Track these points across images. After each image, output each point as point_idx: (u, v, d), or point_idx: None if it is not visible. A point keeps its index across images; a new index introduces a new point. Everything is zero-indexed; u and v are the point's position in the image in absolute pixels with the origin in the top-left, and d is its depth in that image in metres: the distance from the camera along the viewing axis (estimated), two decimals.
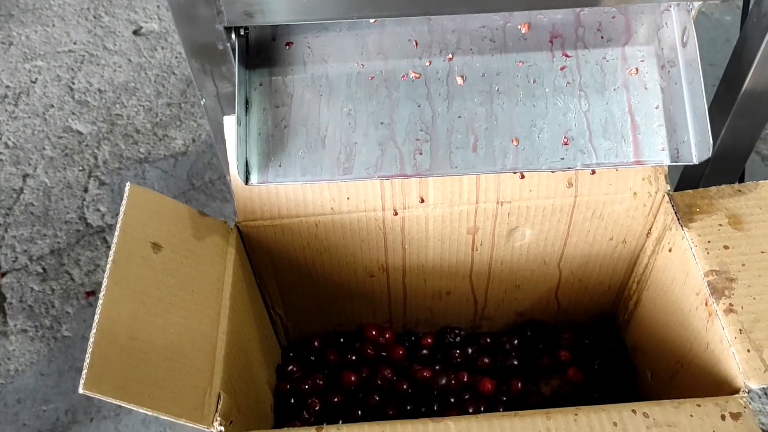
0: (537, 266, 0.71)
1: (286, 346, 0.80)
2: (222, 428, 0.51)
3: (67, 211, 1.18)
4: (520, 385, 0.74)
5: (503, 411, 0.72)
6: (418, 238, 0.66)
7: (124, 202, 0.55)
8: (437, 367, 0.76)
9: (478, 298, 0.75)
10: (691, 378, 0.60)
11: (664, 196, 0.62)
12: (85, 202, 1.20)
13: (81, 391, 0.45)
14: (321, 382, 0.74)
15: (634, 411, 0.49)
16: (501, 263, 0.70)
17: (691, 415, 0.49)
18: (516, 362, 0.76)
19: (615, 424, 0.49)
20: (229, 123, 0.58)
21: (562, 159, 0.57)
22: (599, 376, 0.75)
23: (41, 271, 1.12)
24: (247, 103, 0.58)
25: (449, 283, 0.73)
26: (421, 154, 0.57)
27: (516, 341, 0.78)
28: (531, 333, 0.79)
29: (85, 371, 0.46)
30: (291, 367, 0.76)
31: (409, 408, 0.72)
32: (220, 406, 0.52)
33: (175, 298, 0.54)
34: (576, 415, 0.49)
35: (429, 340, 0.79)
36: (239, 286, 0.62)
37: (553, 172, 0.60)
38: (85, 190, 1.22)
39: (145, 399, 0.47)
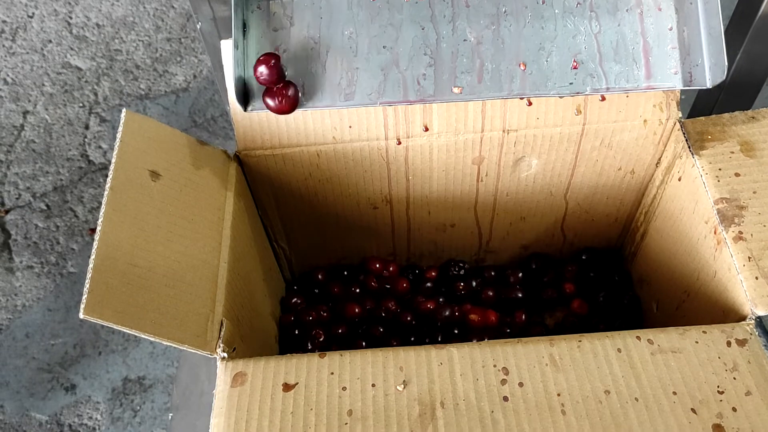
0: (543, 197, 0.70)
1: (290, 280, 0.79)
2: (225, 354, 0.51)
3: (69, 148, 1.17)
4: (524, 317, 0.74)
5: None
6: (422, 169, 0.65)
7: (120, 128, 0.54)
8: (441, 300, 0.76)
9: (483, 230, 0.74)
10: (698, 307, 0.60)
11: (675, 124, 0.61)
12: (86, 139, 1.19)
13: (81, 315, 0.45)
14: (325, 314, 0.74)
15: (638, 337, 0.49)
16: (506, 194, 0.69)
17: (696, 342, 0.48)
18: (520, 295, 0.76)
19: (619, 350, 0.48)
20: (227, 47, 0.56)
21: (571, 84, 0.55)
22: (604, 309, 0.74)
23: (45, 208, 1.11)
24: (244, 26, 0.56)
25: (453, 215, 0.72)
26: (425, 79, 0.55)
27: (520, 274, 0.78)
28: (535, 266, 0.78)
29: (85, 296, 0.45)
30: (295, 299, 0.76)
31: (412, 339, 0.72)
32: (222, 333, 0.52)
33: (175, 226, 0.54)
34: (580, 341, 0.49)
35: (433, 273, 0.79)
36: (240, 217, 0.61)
37: (561, 97, 0.58)
38: (86, 127, 1.20)
39: (146, 324, 0.47)
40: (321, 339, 0.72)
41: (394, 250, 0.77)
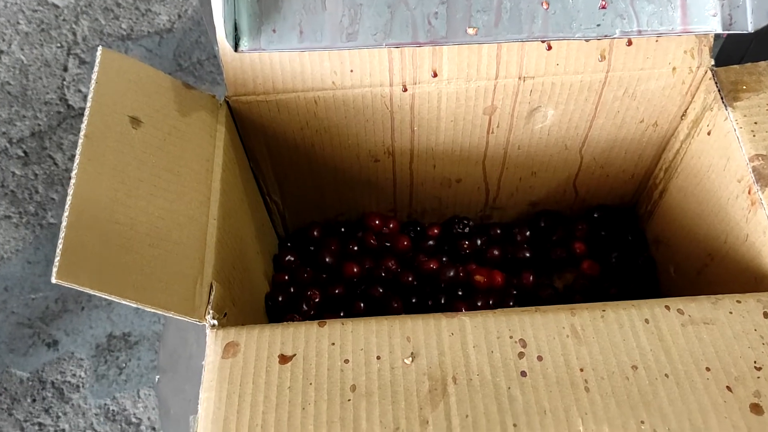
0: (557, 151, 0.65)
1: (284, 236, 0.75)
2: (215, 321, 0.46)
3: (47, 92, 1.11)
4: (531, 278, 0.70)
5: (514, 305, 0.68)
6: (428, 119, 0.60)
7: (96, 68, 0.48)
8: (444, 259, 0.72)
9: (491, 186, 0.70)
10: (724, 272, 0.56)
11: (706, 72, 0.56)
12: (65, 82, 1.12)
13: (54, 280, 0.40)
14: (321, 273, 0.70)
15: (667, 307, 0.45)
16: (518, 148, 0.64)
17: (730, 312, 0.44)
18: (528, 255, 0.72)
19: (646, 321, 0.44)
20: None
21: (598, 26, 0.50)
22: (616, 270, 0.70)
23: (22, 154, 1.05)
24: None
25: (460, 170, 0.67)
26: (436, 18, 0.50)
27: (528, 233, 0.73)
28: (544, 224, 0.74)
29: (57, 258, 0.40)
30: (289, 257, 0.71)
31: (414, 301, 0.68)
32: (212, 298, 0.47)
33: (159, 179, 0.49)
34: (603, 311, 0.45)
35: (435, 231, 0.74)
36: (231, 169, 0.56)
37: (587, 40, 0.53)
38: (65, 69, 1.13)
39: (126, 289, 0.43)
40: (317, 300, 0.68)
41: (394, 206, 0.72)
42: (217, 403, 0.42)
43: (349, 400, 0.42)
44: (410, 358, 0.43)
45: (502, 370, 0.43)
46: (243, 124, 0.59)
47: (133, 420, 0.95)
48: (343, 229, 0.74)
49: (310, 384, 0.43)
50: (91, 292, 0.42)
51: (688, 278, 0.63)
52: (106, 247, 0.43)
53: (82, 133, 0.45)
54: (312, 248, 0.73)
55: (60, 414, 0.94)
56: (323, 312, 0.67)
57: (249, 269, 0.61)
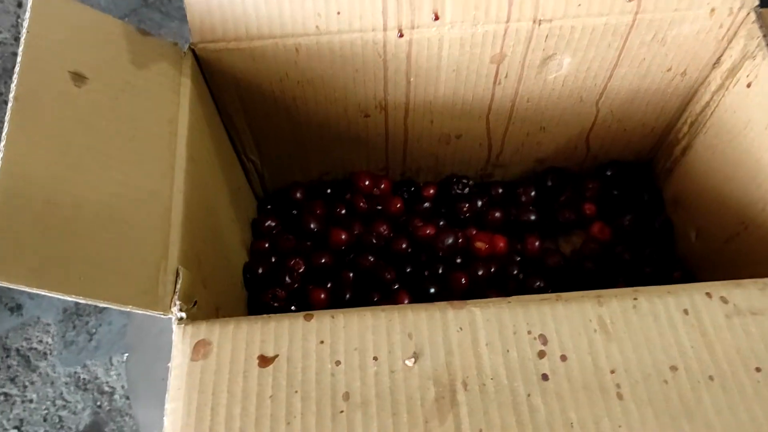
0: (571, 104, 0.58)
1: (263, 198, 0.68)
2: (183, 314, 0.40)
3: (0, 30, 1.00)
4: (537, 243, 0.64)
5: (518, 273, 0.62)
6: (427, 68, 0.52)
7: (27, 14, 0.40)
8: (441, 224, 0.65)
9: (494, 142, 0.63)
10: (757, 244, 0.50)
11: (749, 14, 0.48)
12: (20, 20, 1.02)
13: None
14: (305, 240, 0.63)
15: (708, 294, 0.39)
16: (527, 101, 0.57)
17: None
18: (533, 217, 0.66)
19: (685, 311, 0.38)
20: None
21: None
22: (630, 234, 0.64)
23: None
24: None
25: (461, 125, 0.60)
26: None
27: (533, 193, 0.67)
28: (552, 183, 0.67)
29: None
30: (269, 222, 0.64)
31: (408, 271, 0.62)
32: (179, 286, 0.40)
33: (110, 147, 0.41)
34: (635, 299, 0.39)
35: (431, 191, 0.67)
36: (199, 129, 0.49)
37: None
38: (19, 5, 1.03)
39: (71, 283, 0.36)
40: (301, 270, 0.62)
41: (386, 165, 0.65)
42: (185, 417, 0.36)
43: (341, 411, 0.36)
44: (412, 359, 0.37)
45: (519, 373, 0.37)
46: (212, 76, 0.51)
47: (106, 389, 0.89)
48: (329, 191, 0.67)
49: (296, 392, 0.36)
50: (28, 289, 0.35)
51: (712, 246, 0.57)
52: (46, 235, 0.36)
53: (11, 96, 0.37)
54: (294, 212, 0.66)
55: (27, 383, 0.88)
56: (308, 284, 0.61)
57: (223, 241, 0.54)
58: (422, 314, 0.39)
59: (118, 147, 0.42)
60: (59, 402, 0.88)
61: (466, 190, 0.67)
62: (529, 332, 0.38)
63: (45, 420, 0.88)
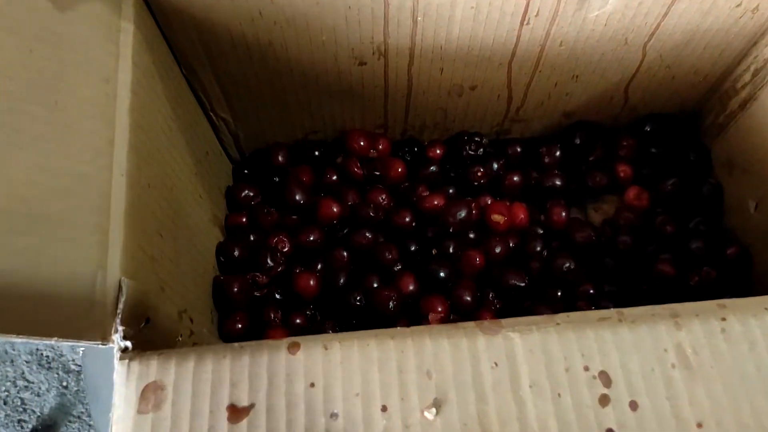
0: (612, 48, 0.47)
1: (239, 161, 0.57)
2: (128, 343, 0.30)
3: None
4: (564, 214, 0.55)
5: (541, 250, 0.53)
6: (439, 5, 0.41)
7: None
8: (451, 191, 0.56)
9: (515, 93, 0.52)
10: None
11: None
12: None
13: None
14: (290, 214, 0.53)
15: None
16: (560, 44, 0.46)
17: None
18: (558, 182, 0.56)
19: None
20: None
21: None
22: (672, 201, 0.55)
23: None
24: None
25: (477, 74, 0.49)
26: None
27: (558, 152, 0.57)
28: (580, 140, 0.57)
29: None
30: (246, 191, 0.54)
31: (413, 249, 0.52)
32: (122, 304, 0.31)
33: (22, 118, 0.30)
34: (723, 320, 0.30)
35: (438, 152, 0.57)
36: (147, 87, 0.38)
37: None
38: None
39: None
40: (285, 250, 0.52)
41: (385, 122, 0.55)
42: None
43: None
44: (433, 410, 0.28)
45: (576, 428, 0.28)
46: (166, 17, 0.40)
47: (72, 367, 0.80)
48: (317, 153, 0.56)
49: None
50: None
51: None
52: None
53: None
54: (276, 179, 0.55)
55: None
56: (294, 267, 0.51)
57: (187, 225, 0.44)
58: (444, 343, 0.30)
59: (33, 117, 0.31)
60: (20, 383, 0.80)
61: (480, 150, 0.56)
62: (587, 368, 0.29)
63: (5, 403, 0.79)
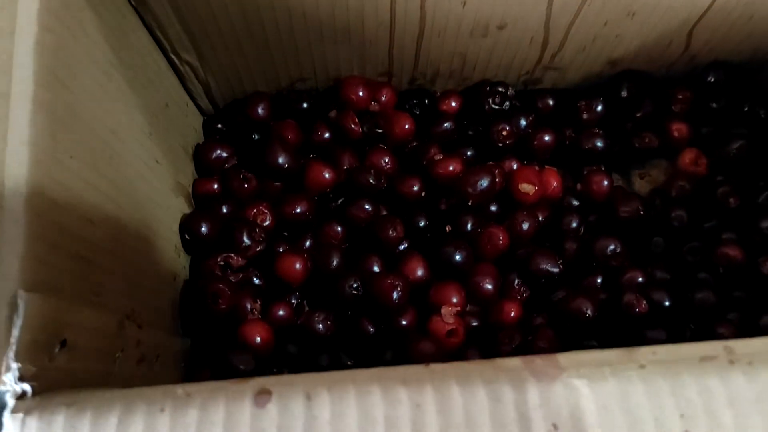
0: None
1: (212, 114, 0.47)
2: (27, 387, 0.21)
3: None
4: (606, 183, 0.45)
5: (578, 227, 0.44)
6: None
7: None
8: (469, 154, 0.46)
9: (552, 35, 0.42)
10: None
11: None
12: None
13: None
14: (272, 179, 0.44)
15: None
16: None
17: None
18: (600, 143, 0.46)
19: None
20: None
21: None
22: (736, 167, 0.45)
23: None
24: None
25: (509, 9, 0.39)
26: None
27: (600, 107, 0.47)
28: (628, 92, 0.47)
29: None
30: (218, 151, 0.45)
31: (422, 224, 0.43)
32: (17, 329, 0.21)
33: None
34: None
35: (453, 104, 0.48)
36: (70, 19, 0.28)
37: None
38: None
39: None
40: (266, 224, 0.43)
41: (389, 68, 0.45)
42: None
43: None
44: None
45: None
46: None
47: None
48: (305, 105, 0.47)
49: None
50: None
51: None
52: None
53: None
54: (255, 136, 0.46)
55: None
56: (276, 246, 0.42)
57: (135, 200, 0.34)
58: (479, 394, 0.21)
59: None
60: None
61: (505, 103, 0.47)
62: None
63: None
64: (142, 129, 0.36)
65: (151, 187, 0.37)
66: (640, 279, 0.42)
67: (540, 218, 0.45)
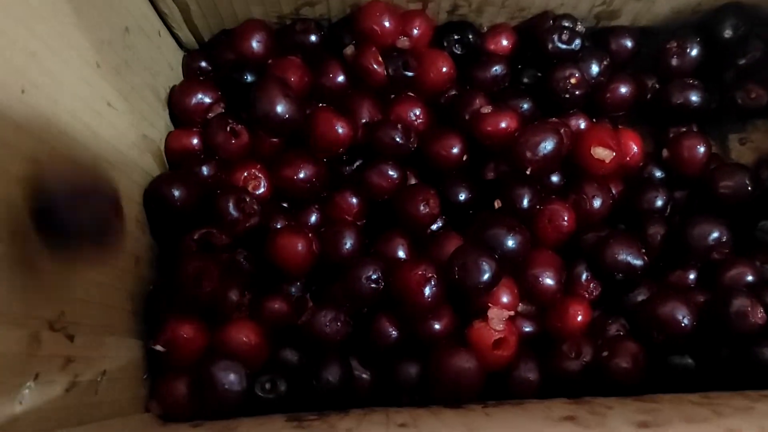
0: None
1: (194, 48, 0.38)
2: None
3: None
4: (701, 149, 0.36)
5: (664, 203, 0.35)
6: None
7: None
8: (525, 107, 0.37)
9: None
10: None
11: None
12: None
13: None
14: (269, 133, 0.34)
15: None
16: None
17: None
18: (693, 97, 0.37)
19: None
20: None
21: None
22: None
23: None
24: None
25: None
26: None
27: (695, 50, 0.37)
28: (730, 32, 0.37)
29: None
30: (200, 94, 0.36)
31: (463, 198, 0.34)
32: None
33: None
34: None
35: (505, 42, 0.40)
36: None
37: None
38: None
39: None
40: (260, 192, 0.34)
41: None
42: None
43: None
44: None
45: None
46: None
47: None
48: (312, 38, 0.38)
49: None
50: None
51: None
52: None
53: None
54: (248, 77, 0.36)
55: None
56: (272, 219, 0.34)
57: (71, 157, 0.24)
58: None
59: None
60: None
61: (575, 42, 0.37)
62: None
63: None
64: (85, 58, 0.26)
65: (98, 138, 0.27)
66: (749, 277, 0.32)
67: (611, 192, 0.36)
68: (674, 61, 0.38)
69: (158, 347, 0.30)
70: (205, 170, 0.35)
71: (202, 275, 0.31)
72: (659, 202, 0.36)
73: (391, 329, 0.32)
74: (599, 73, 0.38)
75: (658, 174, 0.37)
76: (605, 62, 0.38)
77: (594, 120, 0.38)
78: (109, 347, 0.26)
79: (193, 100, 0.36)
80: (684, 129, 0.37)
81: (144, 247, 0.31)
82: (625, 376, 0.30)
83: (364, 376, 0.33)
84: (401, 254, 0.34)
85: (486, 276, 0.30)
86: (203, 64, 0.39)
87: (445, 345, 0.31)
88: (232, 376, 0.30)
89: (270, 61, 0.37)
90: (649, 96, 0.38)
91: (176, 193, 0.33)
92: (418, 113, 0.37)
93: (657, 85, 0.39)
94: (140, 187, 0.32)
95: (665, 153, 0.37)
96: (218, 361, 0.30)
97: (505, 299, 0.32)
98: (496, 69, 0.38)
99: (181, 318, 0.31)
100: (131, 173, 0.30)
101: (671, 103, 0.38)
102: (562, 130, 0.35)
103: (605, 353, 0.31)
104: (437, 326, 0.32)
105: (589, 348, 0.31)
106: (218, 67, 0.38)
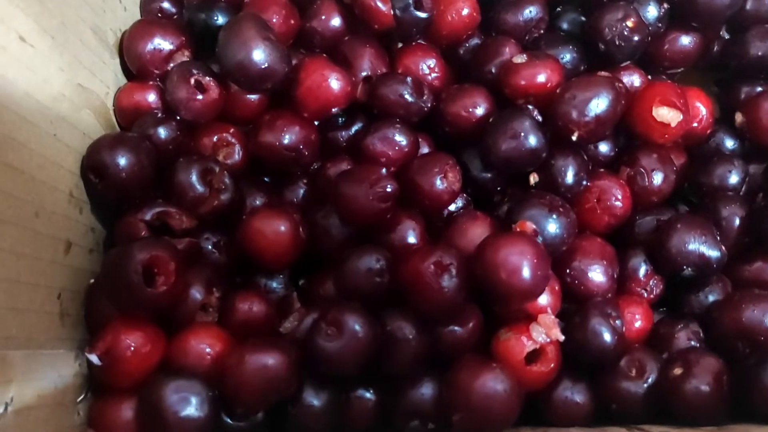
0: None
1: None
2: None
3: None
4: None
5: (739, 180, 0.29)
6: None
7: None
8: (566, 59, 0.32)
9: None
10: None
11: None
12: None
13: None
14: (245, 90, 0.28)
15: None
16: None
17: None
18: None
19: None
20: None
21: None
22: None
23: None
24: None
25: None
26: None
27: None
28: None
29: None
30: (159, 39, 0.32)
31: (489, 175, 0.27)
32: None
33: None
34: None
35: None
36: None
37: None
38: None
39: None
40: (233, 160, 0.29)
41: None
42: None
43: None
44: None
45: None
46: None
47: None
48: None
49: None
50: None
51: None
52: None
53: None
54: (219, 19, 0.31)
55: None
56: (248, 195, 0.29)
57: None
58: None
59: None
60: None
61: None
62: None
63: None
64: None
65: (13, 87, 0.20)
66: None
67: (676, 169, 0.30)
68: (750, 5, 0.31)
69: (93, 357, 0.23)
70: (162, 133, 0.29)
71: (155, 267, 0.24)
72: (734, 178, 0.30)
73: (401, 332, 0.26)
74: (657, 19, 0.31)
75: (730, 144, 0.31)
76: (664, 7, 0.31)
77: (654, 75, 0.32)
78: (17, 366, 0.19)
79: (150, 46, 0.30)
80: (761, 89, 0.31)
81: (80, 231, 0.25)
82: (705, 402, 0.24)
83: (366, 397, 0.26)
84: (411, 240, 0.27)
85: (530, 275, 0.23)
86: (165, 4, 0.32)
87: (470, 359, 0.25)
88: (189, 400, 0.23)
89: None
90: (716, 48, 0.32)
91: (122, 160, 0.26)
92: (432, 65, 0.32)
93: (726, 37, 0.32)
94: (76, 153, 0.25)
95: (739, 118, 0.30)
96: (170, 381, 0.23)
97: (544, 300, 0.26)
98: (530, 11, 0.32)
99: (126, 322, 0.24)
100: (59, 133, 0.24)
101: (745, 56, 0.31)
102: (617, 85, 0.28)
103: (677, 371, 0.24)
104: (457, 328, 0.26)
105: (654, 364, 0.25)
106: (181, 5, 0.31)
